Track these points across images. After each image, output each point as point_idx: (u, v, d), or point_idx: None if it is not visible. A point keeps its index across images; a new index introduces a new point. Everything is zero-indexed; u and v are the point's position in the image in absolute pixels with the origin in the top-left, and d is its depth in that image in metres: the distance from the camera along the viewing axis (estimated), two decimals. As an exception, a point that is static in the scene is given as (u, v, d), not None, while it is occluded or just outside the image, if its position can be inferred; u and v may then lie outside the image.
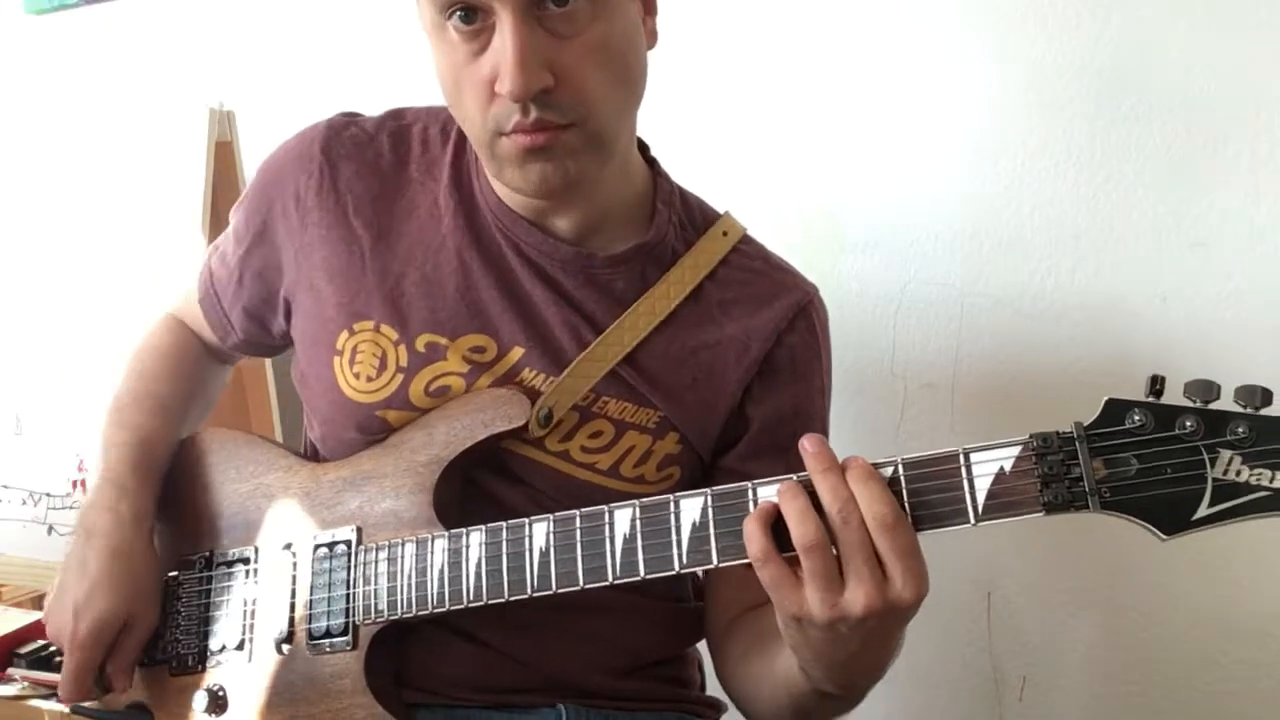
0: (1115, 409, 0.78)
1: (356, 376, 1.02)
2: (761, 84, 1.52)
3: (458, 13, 0.88)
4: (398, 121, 1.09)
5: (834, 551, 0.78)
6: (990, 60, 1.40)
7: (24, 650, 1.49)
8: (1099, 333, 1.39)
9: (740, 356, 1.04)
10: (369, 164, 1.05)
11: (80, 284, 1.70)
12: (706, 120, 1.54)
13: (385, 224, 1.03)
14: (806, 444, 0.82)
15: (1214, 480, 0.75)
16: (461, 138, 1.05)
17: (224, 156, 1.63)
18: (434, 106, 1.08)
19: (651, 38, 0.98)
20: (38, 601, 1.79)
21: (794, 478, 0.82)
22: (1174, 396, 0.77)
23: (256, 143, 1.12)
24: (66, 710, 1.38)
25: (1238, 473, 0.74)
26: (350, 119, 1.09)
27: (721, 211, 1.11)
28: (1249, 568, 1.36)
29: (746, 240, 1.10)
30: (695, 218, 1.09)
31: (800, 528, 0.78)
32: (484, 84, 0.89)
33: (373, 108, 1.12)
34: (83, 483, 1.66)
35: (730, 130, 1.54)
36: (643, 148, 1.08)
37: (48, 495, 1.69)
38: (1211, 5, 1.29)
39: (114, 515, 1.05)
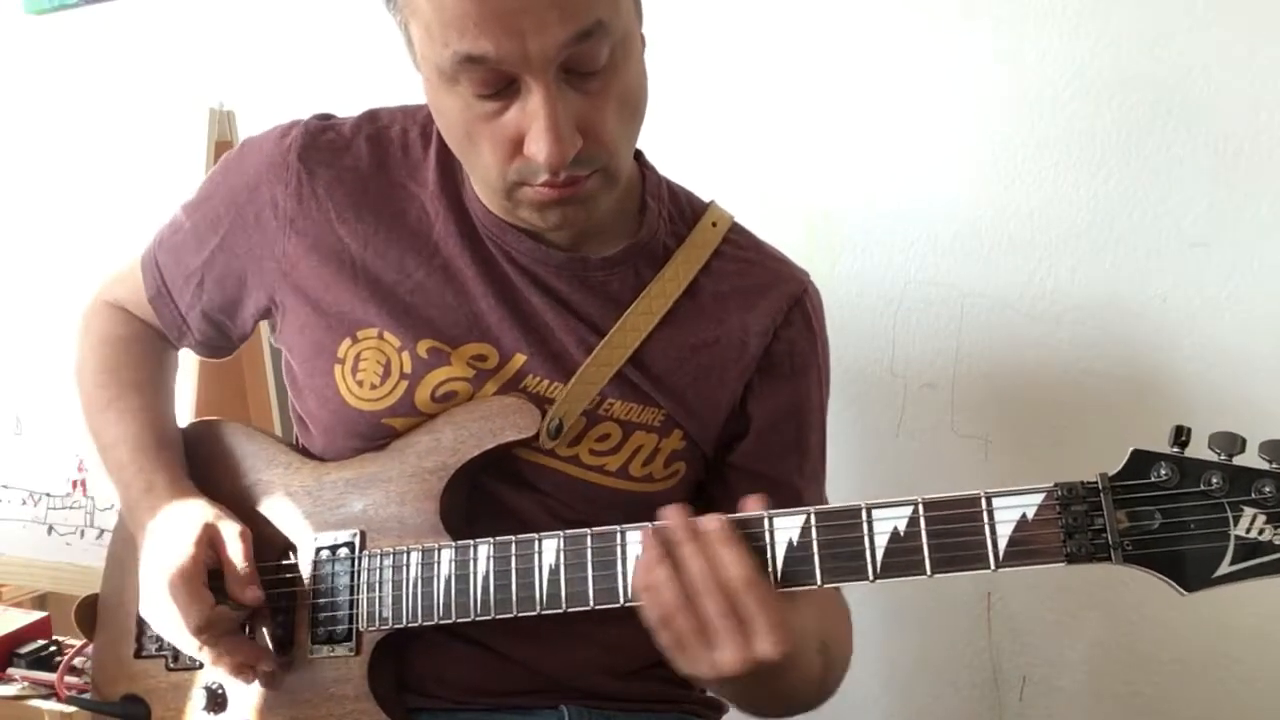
0: (1141, 461, 0.78)
1: (360, 384, 1.00)
2: (762, 85, 1.51)
3: (478, 79, 0.84)
4: (374, 124, 1.06)
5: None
6: (991, 61, 1.40)
7: (24, 650, 1.48)
8: (1099, 333, 1.39)
9: (740, 353, 1.04)
10: (348, 169, 1.03)
11: (80, 284, 1.70)
12: (708, 121, 1.54)
13: (371, 230, 1.01)
14: (666, 513, 0.84)
15: (1237, 538, 0.75)
16: (444, 140, 1.02)
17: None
18: (409, 106, 1.06)
19: (642, 44, 0.97)
20: (38, 601, 1.79)
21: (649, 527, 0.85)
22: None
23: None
24: (67, 710, 1.39)
25: (1260, 531, 0.75)
26: (326, 123, 1.06)
27: (708, 200, 1.10)
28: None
29: (736, 229, 1.09)
30: (684, 210, 1.08)
31: (654, 601, 0.82)
32: (508, 142, 0.87)
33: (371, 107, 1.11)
34: (83, 483, 1.66)
35: (731, 131, 1.54)
36: None
37: (48, 495, 1.69)
38: (1212, 5, 1.29)
39: (152, 514, 1.02)
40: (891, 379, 1.51)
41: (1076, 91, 1.36)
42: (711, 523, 0.83)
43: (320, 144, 1.03)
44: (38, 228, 1.76)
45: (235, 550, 0.98)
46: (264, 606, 1.00)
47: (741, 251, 1.08)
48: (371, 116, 1.07)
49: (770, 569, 0.83)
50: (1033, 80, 1.38)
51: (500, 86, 0.85)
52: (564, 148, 0.84)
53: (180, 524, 1.00)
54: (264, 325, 1.16)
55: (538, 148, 0.84)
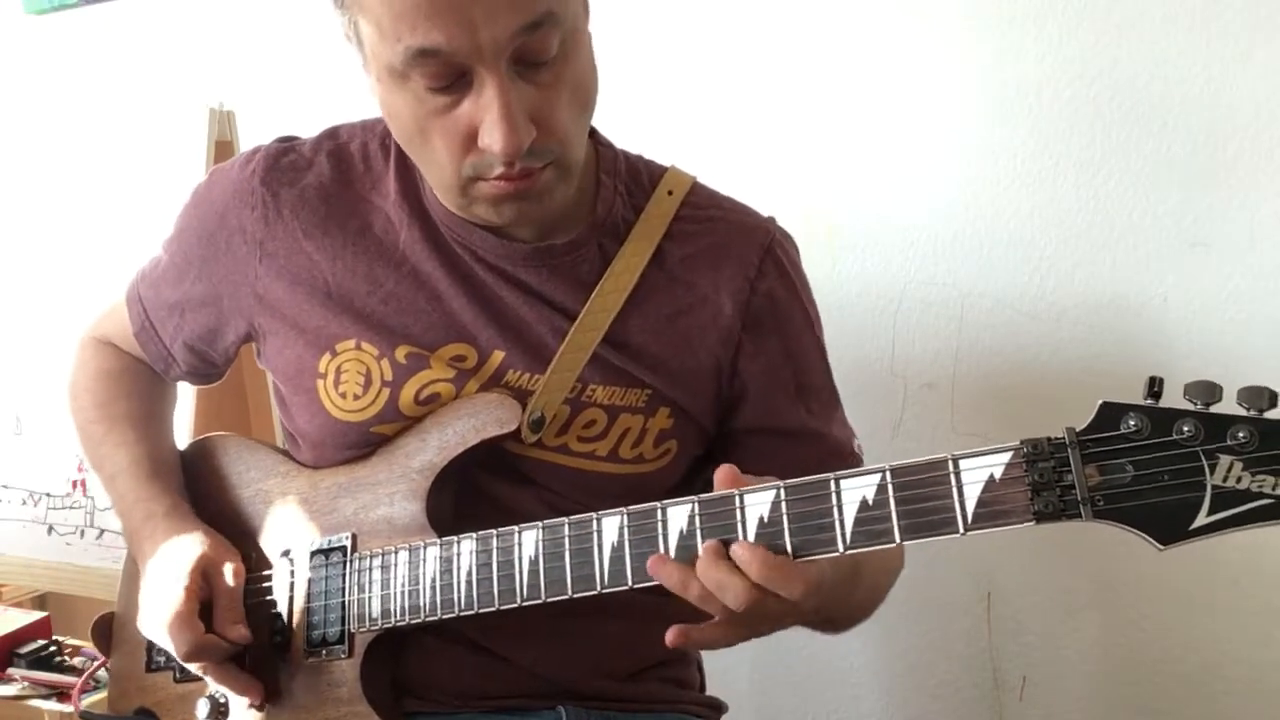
0: (1110, 413, 0.75)
1: (343, 396, 1.01)
2: (763, 85, 1.51)
3: (431, 72, 0.85)
4: (335, 141, 1.07)
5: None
6: (991, 61, 1.40)
7: (24, 650, 1.49)
8: (1099, 333, 1.39)
9: (716, 315, 1.03)
10: (312, 187, 1.04)
11: (80, 284, 1.70)
12: (708, 121, 1.54)
13: (339, 245, 1.02)
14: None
15: (1213, 487, 0.72)
16: (402, 150, 1.03)
17: (224, 156, 1.62)
18: (368, 121, 1.08)
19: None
20: (38, 601, 1.79)
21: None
22: (1174, 397, 0.74)
23: (256, 143, 1.11)
24: (67, 710, 1.39)
25: (1238, 479, 0.71)
26: (287, 145, 1.07)
27: (667, 166, 1.09)
28: (1248, 567, 1.36)
29: (695, 190, 1.07)
30: (641, 180, 1.07)
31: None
32: (461, 136, 0.88)
33: (371, 108, 1.11)
34: (83, 483, 1.66)
35: (732, 131, 1.54)
36: None
37: (48, 495, 1.69)
38: (1211, 6, 1.29)
39: (152, 543, 1.04)
40: (891, 379, 1.51)
41: (1076, 92, 1.36)
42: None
43: (282, 165, 1.05)
44: (37, 228, 1.76)
45: (227, 588, 1.00)
46: (264, 612, 1.01)
47: (701, 211, 1.06)
48: (331, 134, 1.08)
49: None
50: (1033, 81, 1.38)
51: (452, 79, 0.86)
52: (518, 136, 0.85)
53: (177, 556, 1.01)
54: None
55: (492, 138, 0.85)
